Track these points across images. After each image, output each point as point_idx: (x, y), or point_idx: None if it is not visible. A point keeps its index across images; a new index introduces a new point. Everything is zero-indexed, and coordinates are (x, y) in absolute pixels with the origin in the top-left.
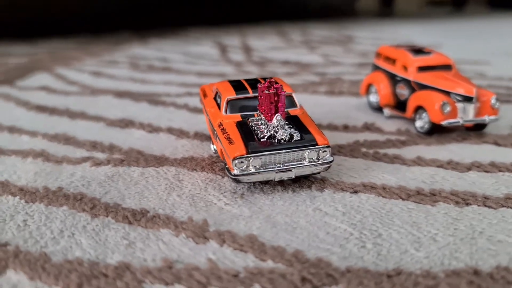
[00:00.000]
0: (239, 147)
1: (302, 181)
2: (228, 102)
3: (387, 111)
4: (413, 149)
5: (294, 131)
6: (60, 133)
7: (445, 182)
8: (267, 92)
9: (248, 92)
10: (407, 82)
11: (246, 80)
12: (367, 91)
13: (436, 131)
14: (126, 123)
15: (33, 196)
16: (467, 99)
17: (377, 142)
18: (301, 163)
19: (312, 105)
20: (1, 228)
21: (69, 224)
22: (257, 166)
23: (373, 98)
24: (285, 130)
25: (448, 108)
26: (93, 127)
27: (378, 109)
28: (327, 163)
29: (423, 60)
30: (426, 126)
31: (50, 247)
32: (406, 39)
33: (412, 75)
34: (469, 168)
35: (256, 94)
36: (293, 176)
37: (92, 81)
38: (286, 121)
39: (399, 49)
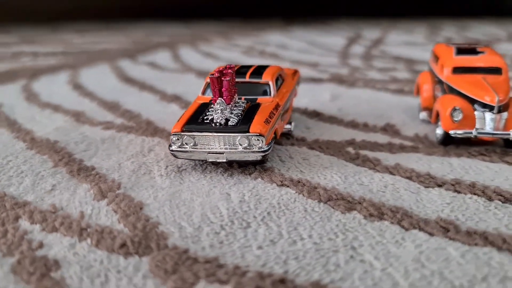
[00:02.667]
0: (179, 124)
1: (249, 168)
2: (207, 83)
3: (422, 114)
4: (406, 156)
5: (234, 116)
6: (114, 101)
7: (391, 194)
8: (211, 76)
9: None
10: (441, 83)
11: (245, 66)
12: (418, 92)
13: (450, 141)
14: (172, 99)
15: (35, 144)
16: (489, 108)
17: (374, 144)
18: (234, 148)
19: (364, 101)
20: None
21: (29, 164)
22: (191, 145)
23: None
24: (224, 114)
25: (459, 116)
26: (147, 99)
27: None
28: (261, 152)
29: (462, 60)
30: (440, 134)
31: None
32: None
33: (445, 76)
34: (439, 185)
35: (240, 79)
36: (225, 160)
37: (197, 61)
38: (245, 107)
39: (450, 47)
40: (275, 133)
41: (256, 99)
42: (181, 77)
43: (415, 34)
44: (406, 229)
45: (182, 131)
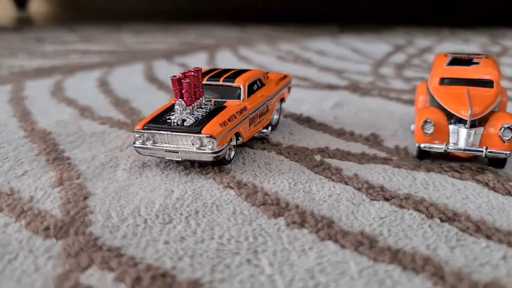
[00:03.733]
0: (142, 123)
1: (207, 168)
2: None
3: (413, 126)
4: (370, 168)
5: (191, 117)
6: (126, 99)
7: (330, 204)
8: (172, 78)
9: (203, 80)
10: (430, 95)
11: (226, 70)
12: None
13: (425, 155)
14: None
15: (32, 134)
16: (462, 122)
17: (346, 153)
18: (188, 148)
19: (367, 110)
20: None
21: (17, 152)
22: (151, 143)
23: None
24: (182, 114)
25: (431, 129)
26: (158, 98)
27: None
28: (212, 153)
29: (451, 71)
30: (416, 147)
31: None
32: None
33: (432, 87)
34: (387, 198)
35: (214, 82)
36: (180, 159)
37: (228, 64)
38: (211, 109)
39: (447, 57)
40: (239, 136)
41: (225, 102)
42: None
43: (471, 43)
44: (321, 239)
45: (143, 129)
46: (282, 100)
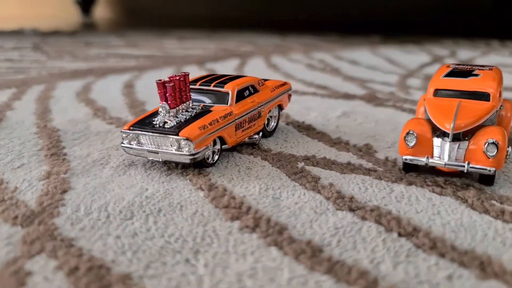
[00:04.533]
0: (129, 124)
1: (188, 169)
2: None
3: None
4: (350, 178)
5: (173, 120)
6: (143, 101)
7: (292, 211)
8: (157, 82)
9: (196, 84)
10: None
11: (222, 76)
12: None
13: (411, 167)
14: None
15: (43, 131)
16: (446, 135)
17: (330, 162)
18: (168, 150)
19: (374, 120)
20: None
21: (23, 146)
22: (135, 143)
23: None
24: (164, 117)
25: (413, 141)
26: None
27: None
28: (189, 155)
29: (447, 82)
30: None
31: None
32: None
33: (426, 98)
34: (353, 209)
35: (206, 87)
36: (160, 159)
37: (255, 71)
38: (197, 113)
39: (448, 68)
40: (222, 140)
41: (212, 106)
42: None
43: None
44: (268, 245)
45: (129, 129)
46: (280, 107)
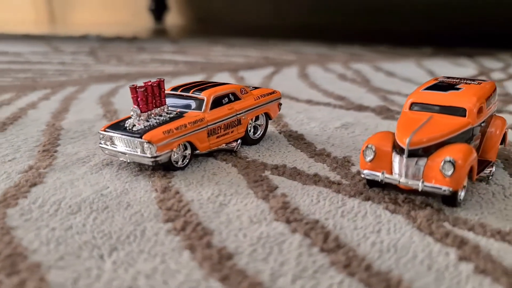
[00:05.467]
0: (105, 125)
1: (155, 171)
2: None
3: None
4: (308, 189)
5: (142, 123)
6: None
7: (225, 217)
8: (130, 86)
9: (177, 90)
10: None
11: (203, 83)
12: None
13: (375, 183)
14: None
15: (49, 129)
16: (401, 151)
17: (298, 173)
18: (135, 151)
19: (371, 133)
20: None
21: (25, 142)
22: (109, 143)
23: None
24: (134, 120)
25: (371, 156)
26: None
27: None
28: (151, 157)
29: (425, 95)
30: None
31: None
32: None
33: (402, 112)
34: (290, 221)
35: (185, 93)
36: (129, 160)
37: (283, 80)
38: (169, 117)
39: (435, 81)
40: (193, 146)
41: (187, 112)
42: None
43: None
44: (183, 249)
45: (104, 131)
46: (268, 116)
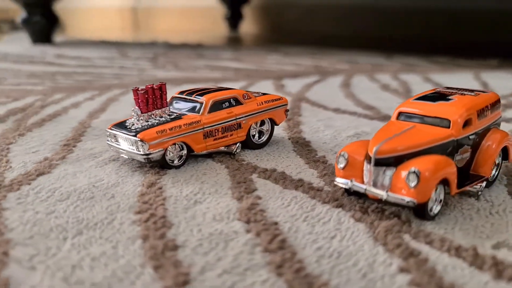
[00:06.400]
0: (113, 123)
1: (151, 168)
2: (172, 97)
3: None
4: (287, 194)
5: (140, 123)
6: None
7: (184, 213)
8: (132, 89)
9: (183, 94)
10: None
11: (209, 88)
12: None
13: (351, 192)
14: None
15: (79, 126)
16: (369, 159)
17: (284, 177)
18: (132, 149)
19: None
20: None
21: (45, 136)
22: (114, 141)
23: None
24: (133, 119)
25: (342, 163)
26: None
27: None
28: (143, 155)
29: (413, 105)
30: None
31: None
32: None
33: (389, 121)
34: (248, 221)
35: (188, 97)
36: (126, 157)
37: (329, 87)
38: (168, 119)
39: (431, 91)
40: (188, 146)
41: (186, 114)
42: None
43: None
44: (138, 237)
45: (110, 129)
46: (273, 121)
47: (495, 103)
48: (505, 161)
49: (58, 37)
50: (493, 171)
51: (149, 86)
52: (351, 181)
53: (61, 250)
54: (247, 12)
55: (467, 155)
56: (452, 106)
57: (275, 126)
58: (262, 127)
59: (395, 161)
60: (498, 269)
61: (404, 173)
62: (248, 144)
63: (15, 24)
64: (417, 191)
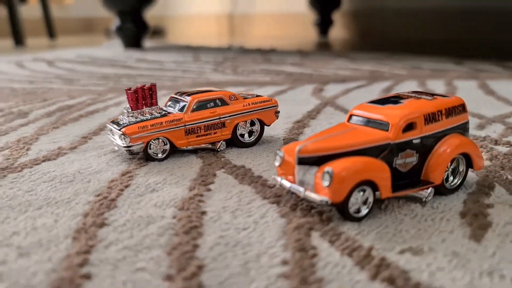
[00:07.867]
0: (112, 119)
1: (139, 160)
2: (170, 97)
3: None
4: (242, 188)
5: (128, 119)
6: None
7: (143, 207)
8: (125, 88)
9: (177, 94)
10: None
11: (202, 90)
12: None
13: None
14: None
15: (106, 122)
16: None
17: (252, 174)
18: (119, 141)
19: None
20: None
21: (77, 132)
22: (111, 134)
23: None
24: (123, 116)
25: (278, 161)
26: None
27: None
28: (125, 147)
29: (362, 108)
30: None
31: None
32: None
33: (339, 123)
34: (180, 209)
35: (179, 97)
36: (116, 148)
37: (368, 92)
38: (159, 115)
39: (395, 94)
40: (170, 142)
41: (173, 112)
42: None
43: None
44: (77, 216)
45: (109, 124)
46: (262, 122)
47: (454, 108)
48: (471, 169)
49: (150, 43)
50: (455, 179)
51: (139, 87)
52: (281, 178)
53: (16, 219)
54: (337, 17)
55: (411, 159)
56: (396, 110)
57: (275, 127)
58: (252, 127)
59: (319, 161)
60: (379, 270)
61: (320, 173)
62: (234, 142)
63: (110, 31)
64: (331, 190)
